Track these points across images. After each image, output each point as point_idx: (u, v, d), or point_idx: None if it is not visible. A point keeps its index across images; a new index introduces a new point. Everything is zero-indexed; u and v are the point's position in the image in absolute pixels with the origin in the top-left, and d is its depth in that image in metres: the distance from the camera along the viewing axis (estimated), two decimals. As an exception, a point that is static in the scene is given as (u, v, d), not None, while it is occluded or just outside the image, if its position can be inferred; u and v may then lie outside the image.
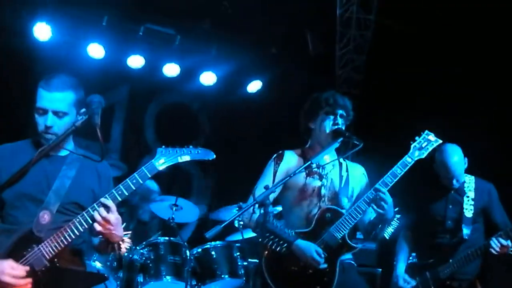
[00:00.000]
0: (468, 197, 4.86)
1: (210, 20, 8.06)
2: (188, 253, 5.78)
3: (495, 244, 4.55)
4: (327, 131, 3.99)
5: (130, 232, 3.46)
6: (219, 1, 7.79)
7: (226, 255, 5.82)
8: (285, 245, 3.73)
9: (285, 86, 8.64)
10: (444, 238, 4.85)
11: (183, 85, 8.69)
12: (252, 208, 3.62)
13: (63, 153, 3.41)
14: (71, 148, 3.44)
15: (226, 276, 5.70)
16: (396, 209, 3.87)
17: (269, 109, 8.75)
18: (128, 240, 3.45)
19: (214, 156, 3.45)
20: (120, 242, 3.34)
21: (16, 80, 7.21)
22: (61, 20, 7.29)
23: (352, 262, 3.97)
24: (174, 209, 6.18)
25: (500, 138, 6.72)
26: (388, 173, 3.81)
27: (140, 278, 5.62)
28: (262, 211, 3.49)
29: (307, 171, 3.97)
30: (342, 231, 3.78)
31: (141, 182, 3.26)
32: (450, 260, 4.70)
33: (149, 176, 3.29)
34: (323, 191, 3.97)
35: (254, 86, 8.74)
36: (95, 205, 3.17)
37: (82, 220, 3.16)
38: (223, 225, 3.33)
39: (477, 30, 7.05)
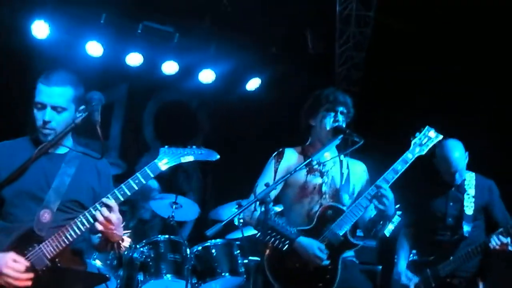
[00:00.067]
0: (468, 194, 4.85)
1: (210, 18, 8.04)
2: (188, 251, 5.78)
3: (495, 241, 4.55)
4: (328, 128, 3.97)
5: (130, 231, 3.45)
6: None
7: (226, 253, 5.82)
8: (287, 242, 3.71)
9: (284, 84, 8.63)
10: (445, 235, 4.84)
11: (182, 83, 8.68)
12: (253, 205, 3.62)
13: (62, 150, 3.39)
14: (70, 145, 3.42)
15: (227, 274, 5.70)
16: (397, 206, 3.85)
17: (268, 107, 8.73)
18: (128, 239, 3.44)
19: (218, 156, 3.44)
20: (120, 241, 3.33)
21: (14, 78, 7.20)
22: (59, 18, 7.28)
23: (354, 259, 3.96)
24: (174, 207, 6.18)
25: (499, 136, 6.73)
26: (389, 170, 3.79)
27: (141, 277, 5.62)
28: (263, 208, 3.48)
29: (307, 169, 3.95)
30: (344, 228, 3.76)
31: (143, 182, 3.25)
32: (451, 258, 4.69)
33: (152, 176, 3.28)
34: (324, 188, 3.96)
35: (253, 84, 8.73)
36: (97, 205, 3.15)
37: (84, 220, 3.15)
38: (223, 222, 3.33)
39: (476, 28, 7.06)
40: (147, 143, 8.92)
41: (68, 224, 3.15)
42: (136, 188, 3.23)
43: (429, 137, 3.95)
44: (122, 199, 3.19)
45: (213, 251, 5.80)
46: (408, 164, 3.83)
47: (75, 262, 3.30)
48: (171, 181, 7.95)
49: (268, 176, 3.98)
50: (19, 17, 7.19)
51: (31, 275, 3.08)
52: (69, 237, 3.13)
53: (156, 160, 3.29)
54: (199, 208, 6.60)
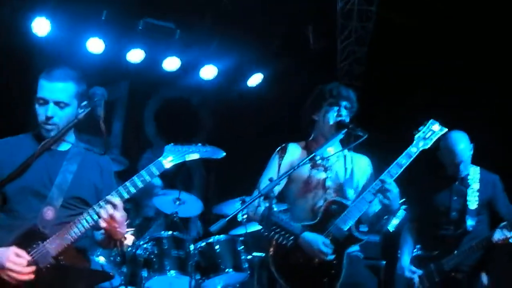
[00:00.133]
0: (472, 188, 4.82)
1: (211, 14, 8.02)
2: (192, 247, 5.78)
3: (499, 235, 4.53)
4: (331, 122, 3.95)
5: (133, 229, 3.44)
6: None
7: (230, 249, 5.81)
8: (292, 237, 3.70)
9: (286, 80, 8.62)
10: (449, 229, 4.82)
11: (184, 79, 8.66)
12: (257, 201, 3.61)
13: (64, 147, 3.39)
14: (72, 141, 3.41)
15: (230, 270, 5.69)
16: (402, 200, 3.84)
17: (270, 103, 8.72)
18: (131, 237, 3.43)
19: (224, 154, 3.42)
20: (123, 239, 3.32)
21: (15, 76, 7.19)
22: (60, 14, 7.27)
23: (359, 254, 3.95)
24: (177, 203, 6.17)
25: (502, 130, 6.71)
26: (393, 164, 3.77)
27: (144, 273, 5.61)
28: (267, 204, 3.47)
29: (311, 163, 3.94)
30: (348, 223, 3.74)
31: (148, 179, 3.23)
32: (455, 252, 4.68)
33: (157, 174, 3.26)
34: (328, 183, 3.95)
35: (255, 80, 8.71)
36: (102, 202, 3.14)
37: (88, 217, 3.14)
38: (227, 218, 3.32)
39: (478, 23, 7.03)
40: (149, 140, 8.92)
41: (72, 222, 3.13)
42: (141, 185, 3.22)
43: (433, 130, 3.93)
44: (126, 196, 3.18)
45: (217, 247, 5.79)
46: (412, 158, 3.81)
47: (79, 259, 3.29)
48: (173, 178, 7.93)
49: (272, 171, 3.97)
50: (19, 15, 7.18)
51: (33, 269, 3.06)
52: (73, 234, 3.12)
53: (161, 158, 3.28)
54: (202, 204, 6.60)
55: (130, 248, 5.59)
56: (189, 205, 6.39)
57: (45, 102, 3.22)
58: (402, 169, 3.76)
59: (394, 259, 5.23)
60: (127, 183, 3.20)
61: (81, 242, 3.27)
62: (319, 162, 3.98)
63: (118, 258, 5.61)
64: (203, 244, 5.83)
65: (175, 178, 7.97)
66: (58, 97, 3.21)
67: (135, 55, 7.94)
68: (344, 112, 3.97)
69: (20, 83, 6.81)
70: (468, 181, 4.86)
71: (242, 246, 5.87)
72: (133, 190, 3.19)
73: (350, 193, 3.96)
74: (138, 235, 5.98)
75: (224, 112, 9.17)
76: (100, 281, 3.45)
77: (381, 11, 7.85)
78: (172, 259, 5.67)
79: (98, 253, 5.40)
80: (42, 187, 3.22)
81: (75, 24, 7.46)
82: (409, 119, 4.22)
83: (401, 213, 5.50)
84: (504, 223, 4.59)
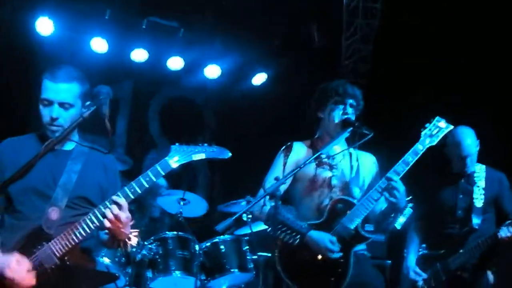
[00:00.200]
0: (478, 186, 4.80)
1: (214, 12, 8.00)
2: (197, 247, 5.76)
3: (505, 232, 4.50)
4: (336, 121, 3.93)
5: (138, 230, 3.41)
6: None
7: (235, 249, 5.79)
8: (298, 236, 3.67)
9: (290, 78, 8.59)
10: (454, 228, 4.79)
11: (188, 78, 8.65)
12: (262, 200, 3.58)
13: (69, 147, 3.37)
14: (76, 140, 3.39)
15: (236, 270, 5.67)
16: (409, 198, 3.81)
17: (274, 102, 8.70)
18: (135, 238, 3.41)
19: (230, 154, 3.39)
20: (127, 240, 3.30)
21: (15, 76, 7.19)
22: (64, 14, 7.29)
23: (366, 253, 3.92)
24: (182, 203, 6.15)
25: (504, 128, 6.69)
26: (400, 162, 3.75)
27: (149, 274, 5.60)
28: (273, 203, 3.44)
29: (316, 162, 3.90)
30: (355, 222, 3.71)
31: (154, 180, 3.20)
32: (461, 250, 4.64)
33: (163, 174, 3.23)
34: (333, 181, 3.91)
35: (259, 78, 8.69)
36: (107, 202, 3.11)
37: (93, 218, 3.11)
38: (234, 217, 3.31)
39: (481, 21, 7.02)
40: (154, 140, 8.91)
41: (77, 222, 3.11)
42: (147, 186, 3.18)
43: (439, 127, 3.90)
44: (132, 197, 3.15)
45: (222, 247, 5.76)
46: (418, 156, 3.78)
47: (84, 260, 3.28)
48: (178, 178, 7.93)
49: (277, 170, 3.93)
50: (20, 14, 7.19)
51: (34, 276, 3.04)
52: (78, 235, 3.09)
53: (167, 158, 3.24)
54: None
55: (134, 249, 5.57)
56: (194, 205, 6.37)
57: (50, 103, 3.20)
58: (409, 166, 3.74)
59: (399, 258, 5.21)
60: (133, 183, 3.17)
61: (86, 242, 3.25)
62: (324, 160, 3.95)
63: (123, 259, 5.60)
64: (208, 244, 5.81)
65: (180, 178, 7.97)
66: (63, 98, 3.19)
67: (139, 54, 7.95)
68: (350, 110, 3.94)
69: (20, 83, 6.82)
70: (474, 178, 4.83)
71: (247, 246, 5.84)
72: (139, 190, 3.16)
73: (356, 191, 3.93)
74: (145, 236, 5.97)
75: (228, 111, 9.16)
76: (105, 282, 3.44)
77: (385, 9, 7.83)
78: (177, 259, 5.65)
79: (103, 254, 5.39)
80: (46, 188, 3.20)
81: (78, 23, 7.48)
82: (414, 117, 4.21)
83: (408, 211, 5.47)
84: (510, 220, 4.56)
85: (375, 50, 8.24)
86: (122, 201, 3.10)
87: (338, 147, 4.00)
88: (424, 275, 4.75)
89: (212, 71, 8.45)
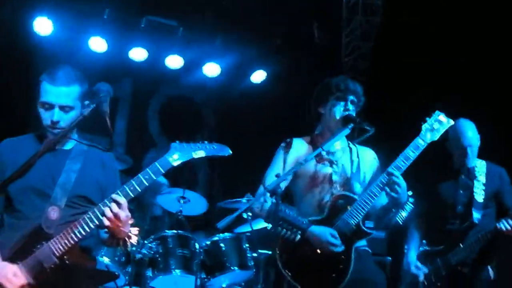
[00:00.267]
0: (479, 181, 4.80)
1: (214, 12, 8.00)
2: (197, 245, 5.75)
3: (504, 225, 4.51)
4: (337, 117, 3.91)
5: (138, 228, 3.40)
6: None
7: (235, 247, 5.78)
8: (299, 232, 3.65)
9: (290, 76, 8.58)
10: (455, 223, 4.80)
11: (187, 77, 8.64)
12: (263, 197, 3.57)
13: (68, 146, 3.36)
14: (75, 138, 3.38)
15: (236, 268, 5.66)
16: (410, 193, 3.80)
17: (274, 100, 8.69)
18: (135, 237, 3.39)
19: (230, 152, 3.38)
20: (126, 238, 3.29)
21: (15, 76, 7.18)
22: (62, 14, 7.28)
23: (367, 249, 3.90)
24: (182, 202, 6.14)
25: (504, 128, 6.69)
26: (400, 156, 3.72)
27: (149, 273, 5.59)
28: (273, 199, 3.43)
29: (317, 158, 3.89)
30: (356, 218, 3.69)
31: (154, 177, 3.18)
32: (461, 246, 4.65)
33: (163, 171, 3.21)
34: (334, 177, 3.90)
35: (259, 76, 8.68)
36: (106, 201, 3.10)
37: (92, 216, 3.10)
38: (235, 214, 3.29)
39: (481, 21, 7.03)
40: (153, 139, 8.90)
41: (77, 221, 3.10)
42: (147, 184, 3.17)
43: (440, 121, 3.88)
44: (132, 195, 3.14)
45: (222, 245, 5.76)
46: (419, 151, 3.76)
47: (84, 259, 3.26)
48: (177, 175, 7.91)
49: (277, 167, 3.92)
50: (20, 14, 7.18)
51: (31, 284, 3.04)
52: (78, 234, 3.08)
53: (166, 155, 3.23)
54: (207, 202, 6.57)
55: (134, 248, 5.56)
56: (194, 203, 6.37)
57: (51, 106, 3.19)
58: (410, 161, 3.71)
59: (399, 255, 5.21)
60: (133, 181, 3.16)
61: (86, 241, 3.24)
62: (325, 156, 3.94)
63: (123, 258, 5.58)
64: (208, 242, 5.80)
65: (180, 176, 7.96)
66: (64, 101, 3.18)
67: (138, 53, 7.94)
68: (351, 106, 3.93)
69: (20, 83, 6.80)
70: (475, 173, 4.83)
71: (248, 244, 5.83)
72: (138, 188, 3.15)
73: (357, 187, 3.91)
74: (145, 235, 5.96)
75: (227, 110, 9.15)
76: (105, 281, 3.43)
77: (386, 7, 7.82)
78: (177, 258, 5.65)
79: (103, 253, 5.38)
80: (46, 187, 3.20)
81: (77, 23, 7.47)
82: (413, 115, 4.19)
83: (409, 206, 5.46)
84: (510, 213, 4.58)
85: (375, 48, 8.23)
86: (122, 199, 3.09)
87: (338, 144, 3.99)
88: (425, 269, 4.74)
89: (212, 70, 8.43)
